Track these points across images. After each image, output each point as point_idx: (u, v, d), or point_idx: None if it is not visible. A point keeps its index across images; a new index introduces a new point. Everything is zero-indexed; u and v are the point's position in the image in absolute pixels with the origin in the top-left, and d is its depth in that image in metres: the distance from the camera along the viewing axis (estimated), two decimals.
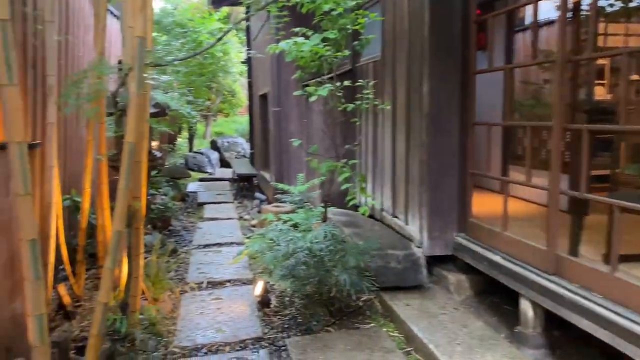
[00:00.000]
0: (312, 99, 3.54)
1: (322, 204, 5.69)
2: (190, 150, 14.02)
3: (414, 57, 4.27)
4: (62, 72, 4.25)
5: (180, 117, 8.85)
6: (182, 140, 15.73)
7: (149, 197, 5.40)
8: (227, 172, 12.42)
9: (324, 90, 3.37)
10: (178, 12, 10.34)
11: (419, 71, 4.17)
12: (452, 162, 4.07)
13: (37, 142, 2.98)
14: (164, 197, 6.83)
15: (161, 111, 5.14)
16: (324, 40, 3.64)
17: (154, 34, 8.32)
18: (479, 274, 3.91)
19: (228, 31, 2.70)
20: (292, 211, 6.27)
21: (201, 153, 13.51)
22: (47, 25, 3.14)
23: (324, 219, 4.04)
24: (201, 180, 11.42)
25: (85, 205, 3.98)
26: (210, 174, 13.00)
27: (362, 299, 3.95)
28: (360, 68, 5.81)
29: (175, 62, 2.69)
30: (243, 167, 9.85)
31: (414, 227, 4.36)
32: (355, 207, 5.86)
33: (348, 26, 3.51)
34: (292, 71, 7.37)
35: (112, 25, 6.09)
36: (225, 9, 14.87)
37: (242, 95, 15.99)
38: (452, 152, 4.06)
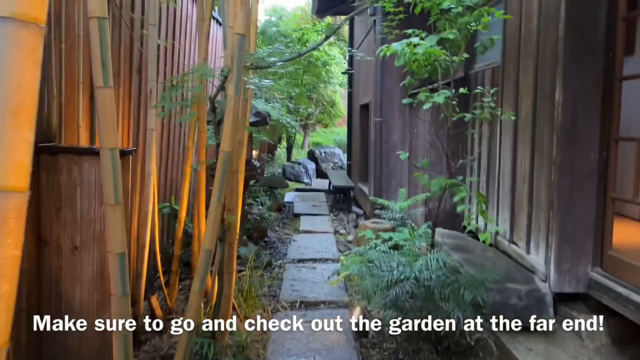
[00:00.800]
0: (426, 106, 3.14)
1: (428, 224, 5.21)
2: (288, 160, 14.10)
3: (545, 61, 3.70)
4: (166, 79, 4.23)
5: (280, 126, 8.81)
6: (280, 150, 15.92)
7: (245, 208, 5.28)
8: (323, 183, 12.28)
9: (440, 97, 2.96)
10: (282, 23, 10.41)
11: (550, 77, 3.60)
12: (589, 183, 3.45)
13: (133, 148, 2.87)
14: (260, 207, 6.72)
15: (262, 120, 5.00)
16: (439, 42, 3.23)
17: (259, 44, 8.37)
18: (618, 318, 3.25)
19: (338, 28, 2.42)
20: (392, 229, 5.86)
21: (299, 163, 13.51)
22: (150, 28, 3.05)
23: (432, 244, 3.59)
24: (297, 190, 11.35)
25: (182, 214, 3.87)
26: (307, 184, 12.94)
27: (474, 337, 3.43)
28: (475, 75, 5.28)
29: (279, 64, 2.42)
30: (340, 179, 9.59)
31: (537, 257, 3.77)
32: (469, 232, 5.32)
33: (471, 24, 3.06)
34: (396, 79, 7.00)
35: (218, 34, 6.11)
36: (328, 19, 14.84)
37: (342, 106, 15.86)
38: (588, 172, 3.44)
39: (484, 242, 3.03)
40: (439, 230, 5.52)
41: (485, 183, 4.92)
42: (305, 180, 13.20)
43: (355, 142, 9.75)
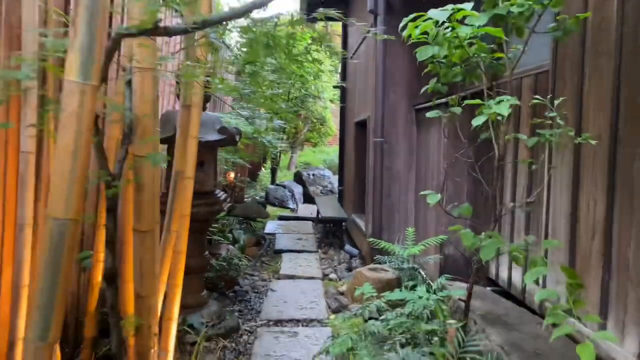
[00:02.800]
0: (478, 121, 1.99)
1: (445, 277, 4.05)
2: (272, 182, 12.87)
3: (638, 60, 2.57)
4: None
5: (260, 145, 7.64)
6: (265, 171, 14.71)
7: (206, 255, 4.07)
8: (311, 209, 11.08)
9: (502, 106, 1.81)
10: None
11: None
12: None
13: None
14: (230, 247, 5.50)
15: (228, 139, 3.82)
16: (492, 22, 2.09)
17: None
18: None
19: None
20: (397, 280, 4.67)
21: (283, 186, 12.30)
22: None
23: (466, 317, 2.41)
24: (281, 218, 10.13)
25: (97, 277, 2.65)
26: (292, 210, 11.74)
27: None
28: (503, 87, 4.16)
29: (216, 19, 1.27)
30: (329, 208, 8.39)
31: (623, 348, 2.59)
32: (494, 284, 4.18)
33: None
34: (402, 92, 5.88)
35: None
36: (320, 26, 13.81)
37: (332, 123, 14.74)
38: None
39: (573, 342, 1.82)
40: (458, 285, 4.36)
41: (520, 229, 3.75)
42: (291, 206, 11.98)
43: (348, 164, 8.60)
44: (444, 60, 2.46)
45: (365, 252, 6.09)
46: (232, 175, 9.31)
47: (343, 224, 7.80)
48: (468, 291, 2.63)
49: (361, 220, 6.67)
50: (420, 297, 3.55)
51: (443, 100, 3.02)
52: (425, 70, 2.79)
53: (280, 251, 7.05)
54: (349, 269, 6.13)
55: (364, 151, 6.58)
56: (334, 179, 13.06)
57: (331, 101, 13.21)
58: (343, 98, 9.11)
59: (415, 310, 3.15)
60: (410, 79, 5.58)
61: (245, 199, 10.96)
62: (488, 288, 4.66)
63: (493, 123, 2.24)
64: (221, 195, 4.10)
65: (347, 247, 6.85)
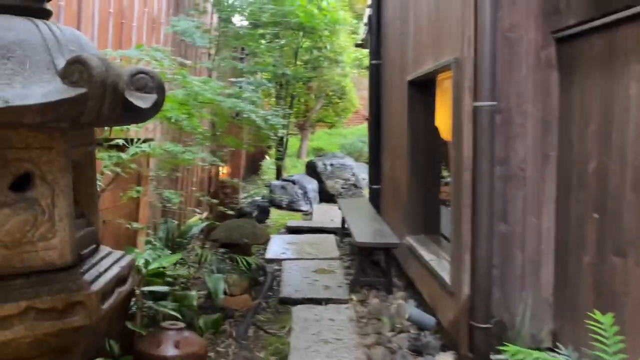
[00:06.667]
0: None
1: None
2: (278, 176, 10.16)
3: None
4: None
5: (252, 126, 4.98)
6: (270, 160, 11.96)
7: None
8: (330, 213, 8.44)
9: None
10: None
11: None
12: None
13: None
14: (186, 334, 2.85)
15: (95, 96, 1.22)
16: None
17: None
18: None
19: None
20: None
21: (292, 182, 9.61)
22: None
23: None
24: (290, 230, 7.46)
25: None
26: (306, 213, 9.09)
27: None
28: None
29: None
30: (364, 221, 5.67)
31: None
32: None
33: None
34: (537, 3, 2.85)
35: None
36: None
37: (354, 95, 11.93)
38: None
39: None
40: None
41: None
42: (304, 208, 9.32)
43: (391, 151, 5.88)
44: None
45: (449, 324, 3.40)
46: (217, 171, 6.63)
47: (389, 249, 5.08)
48: None
49: (434, 256, 3.94)
50: None
51: None
52: None
53: (289, 301, 4.42)
54: (417, 351, 3.46)
55: (428, 129, 3.87)
56: (359, 170, 10.37)
57: (351, 67, 10.43)
58: (377, 49, 6.36)
59: None
60: None
61: (242, 204, 8.31)
62: None
63: None
64: (100, 267, 1.44)
65: (414, 310, 3.96)
